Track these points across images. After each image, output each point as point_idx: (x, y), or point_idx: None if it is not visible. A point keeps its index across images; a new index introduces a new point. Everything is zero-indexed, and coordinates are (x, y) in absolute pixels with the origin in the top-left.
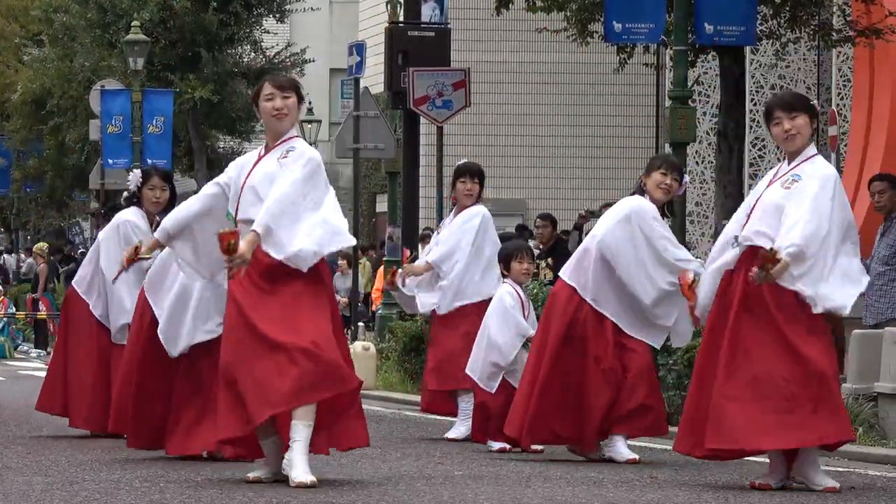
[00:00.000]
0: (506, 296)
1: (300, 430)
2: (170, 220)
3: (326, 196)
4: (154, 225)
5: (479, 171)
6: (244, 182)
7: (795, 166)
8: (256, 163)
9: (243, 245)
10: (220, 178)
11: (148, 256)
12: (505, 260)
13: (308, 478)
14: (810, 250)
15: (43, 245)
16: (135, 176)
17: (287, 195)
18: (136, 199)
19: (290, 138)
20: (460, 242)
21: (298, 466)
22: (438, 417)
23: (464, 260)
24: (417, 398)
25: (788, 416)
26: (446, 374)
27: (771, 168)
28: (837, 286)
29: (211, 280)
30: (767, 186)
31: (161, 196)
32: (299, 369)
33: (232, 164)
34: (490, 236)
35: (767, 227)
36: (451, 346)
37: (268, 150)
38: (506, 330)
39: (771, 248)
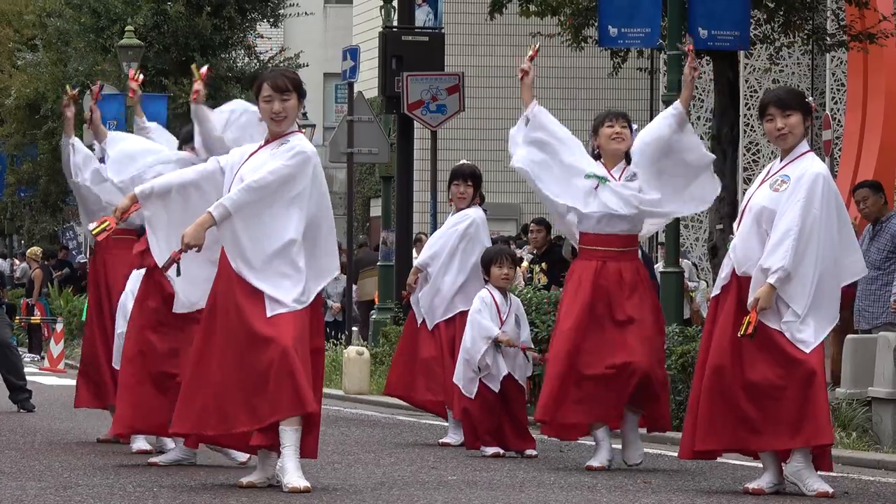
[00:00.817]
0: (477, 300)
1: (289, 435)
2: (158, 181)
3: (309, 198)
4: None
5: (473, 173)
6: (237, 171)
7: (785, 165)
8: (253, 153)
9: (191, 228)
10: (222, 158)
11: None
12: (486, 265)
13: (301, 483)
14: (795, 268)
15: (37, 249)
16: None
17: (262, 183)
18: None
19: (290, 133)
20: (445, 247)
21: (291, 471)
22: (432, 422)
23: (444, 269)
24: None
25: (778, 419)
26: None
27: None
28: (811, 328)
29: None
30: (759, 186)
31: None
32: (277, 385)
33: (235, 149)
34: (480, 241)
35: (756, 242)
36: (430, 356)
37: (267, 142)
38: (473, 333)
39: (748, 321)
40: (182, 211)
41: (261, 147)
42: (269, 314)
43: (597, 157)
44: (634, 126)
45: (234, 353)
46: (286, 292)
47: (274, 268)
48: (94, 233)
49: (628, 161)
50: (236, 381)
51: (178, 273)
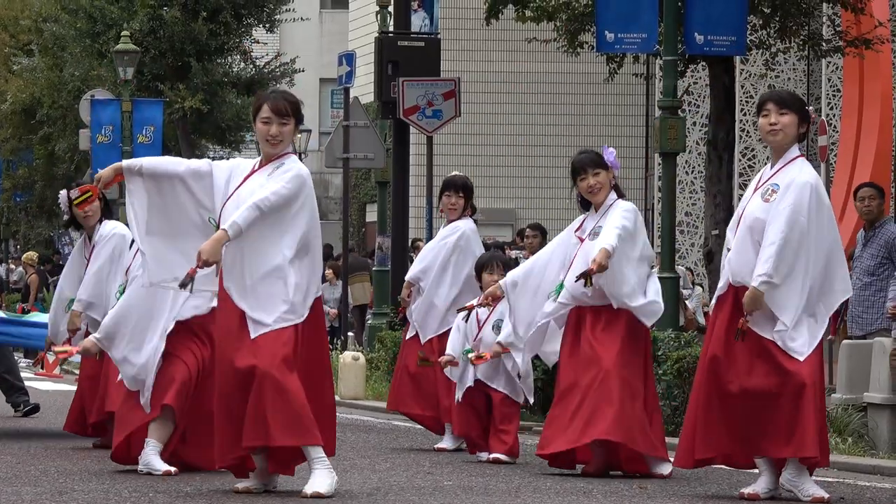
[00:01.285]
0: (460, 315)
1: (308, 451)
2: (149, 161)
3: (305, 218)
4: (90, 240)
5: (464, 184)
6: (232, 192)
7: (776, 173)
8: (248, 176)
9: (207, 245)
10: (216, 164)
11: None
12: (478, 271)
13: (312, 489)
14: (781, 277)
15: (33, 254)
16: (63, 199)
17: (268, 203)
18: (73, 220)
19: (283, 155)
20: (436, 259)
21: (312, 479)
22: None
23: (437, 282)
24: None
25: (771, 427)
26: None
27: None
28: (804, 337)
29: (144, 241)
30: (752, 194)
31: (89, 208)
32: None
33: (230, 162)
34: (471, 252)
35: (751, 252)
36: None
37: (261, 165)
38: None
39: (743, 321)
40: (163, 201)
41: (254, 170)
42: (252, 335)
43: (584, 203)
44: (611, 150)
45: (226, 384)
46: (268, 313)
47: (261, 287)
48: (76, 202)
49: (619, 193)
50: (237, 406)
51: (192, 290)
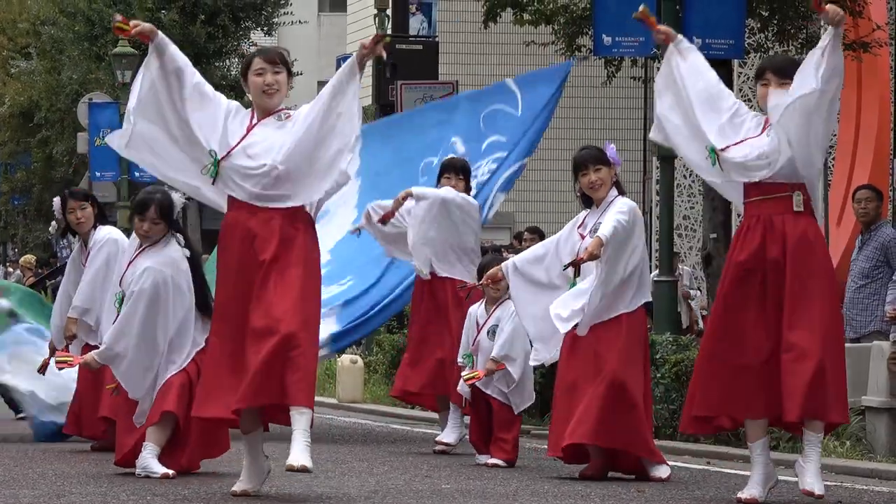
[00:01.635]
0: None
1: (297, 419)
2: (175, 52)
3: None
4: (86, 246)
5: (464, 167)
6: (236, 144)
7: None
8: (251, 127)
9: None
10: (218, 94)
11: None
12: (479, 274)
13: (299, 462)
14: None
15: (31, 258)
16: (56, 205)
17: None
18: (68, 228)
19: (282, 108)
20: (438, 197)
21: (295, 450)
22: (427, 431)
23: (433, 222)
24: (405, 411)
25: (763, 389)
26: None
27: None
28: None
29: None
30: (759, 134)
31: (82, 215)
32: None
33: (231, 102)
34: (472, 220)
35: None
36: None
37: (259, 119)
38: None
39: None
40: (162, 89)
41: (254, 123)
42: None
43: (586, 199)
44: (612, 146)
45: (235, 339)
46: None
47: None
48: (117, 24)
49: (620, 190)
50: (242, 360)
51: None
